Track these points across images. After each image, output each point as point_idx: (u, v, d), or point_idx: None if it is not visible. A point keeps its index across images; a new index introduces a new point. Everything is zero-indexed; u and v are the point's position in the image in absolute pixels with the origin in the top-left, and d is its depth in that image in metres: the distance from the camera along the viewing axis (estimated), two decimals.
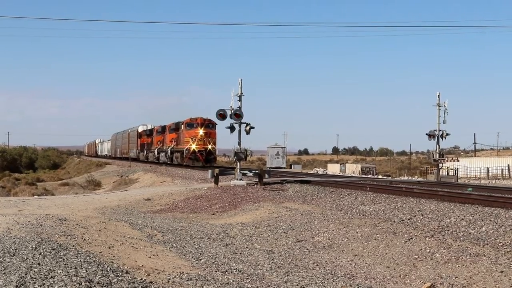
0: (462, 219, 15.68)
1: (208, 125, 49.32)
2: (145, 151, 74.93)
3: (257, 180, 30.87)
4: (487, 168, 69.14)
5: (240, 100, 32.56)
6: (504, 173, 68.34)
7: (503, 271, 11.05)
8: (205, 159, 48.45)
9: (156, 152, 65.63)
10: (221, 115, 36.20)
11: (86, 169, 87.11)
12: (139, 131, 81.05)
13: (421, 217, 16.86)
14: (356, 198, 22.23)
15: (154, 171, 54.94)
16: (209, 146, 48.23)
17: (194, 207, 24.68)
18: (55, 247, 11.26)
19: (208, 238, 16.48)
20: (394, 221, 16.72)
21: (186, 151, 48.74)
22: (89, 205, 24.74)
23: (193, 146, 48.15)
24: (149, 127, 78.06)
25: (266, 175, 31.53)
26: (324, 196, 23.98)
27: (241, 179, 31.64)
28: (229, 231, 18.00)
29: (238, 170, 32.29)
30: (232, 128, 34.35)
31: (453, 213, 16.51)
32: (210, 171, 32.30)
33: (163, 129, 62.44)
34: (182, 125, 51.61)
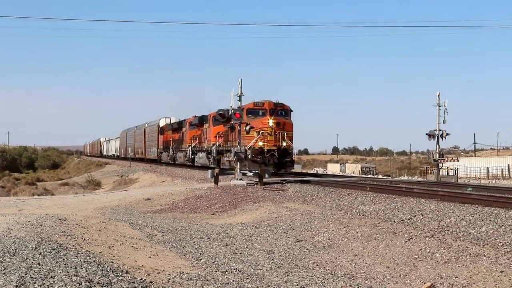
0: (462, 219, 15.67)
1: (281, 112, 35.09)
2: (171, 150, 59.09)
3: (257, 180, 30.87)
4: (487, 168, 69.17)
5: (240, 100, 32.57)
6: (504, 173, 68.38)
7: (503, 271, 11.05)
8: (278, 163, 34.03)
9: (189, 152, 49.99)
10: (222, 115, 36.30)
11: (86, 169, 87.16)
12: (161, 125, 65.94)
13: (421, 217, 16.85)
14: (356, 198, 22.23)
15: (154, 171, 54.98)
16: (284, 144, 33.74)
17: (194, 207, 24.69)
18: (55, 247, 11.26)
19: (208, 238, 16.48)
20: (394, 221, 16.72)
21: (250, 151, 33.50)
22: (89, 205, 24.74)
23: (260, 144, 33.45)
24: (173, 120, 63.63)
25: (266, 175, 31.52)
26: (324, 196, 23.98)
27: (241, 179, 31.64)
28: (229, 231, 18.00)
29: (238, 170, 32.27)
30: (232, 128, 34.41)
31: (453, 213, 16.51)
32: (210, 171, 32.27)
33: (201, 121, 47.28)
34: (242, 114, 36.17)
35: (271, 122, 34.03)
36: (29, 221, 15.16)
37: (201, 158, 46.88)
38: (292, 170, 38.09)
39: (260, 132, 33.89)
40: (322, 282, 11.37)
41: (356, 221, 17.34)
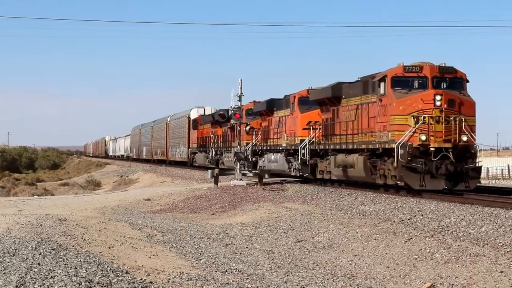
0: (462, 219, 15.67)
1: (452, 82, 21.79)
2: (213, 150, 44.34)
3: (257, 180, 30.84)
4: (487, 168, 69.15)
5: (240, 100, 32.57)
6: (504, 173, 68.35)
7: (503, 271, 11.06)
8: (454, 172, 20.70)
9: (248, 152, 34.58)
10: (221, 115, 36.19)
11: (86, 169, 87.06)
12: (193, 117, 51.95)
13: (421, 217, 16.85)
14: (356, 198, 22.23)
15: (154, 171, 54.95)
16: (463, 138, 20.89)
17: (194, 207, 24.68)
18: (55, 247, 11.26)
19: (208, 238, 16.48)
20: (394, 221, 16.72)
21: (402, 151, 20.52)
22: (89, 205, 24.74)
23: (422, 138, 20.55)
24: (209, 111, 49.03)
25: (266, 175, 31.47)
26: (324, 196, 23.97)
27: (241, 179, 31.61)
28: (229, 231, 18.01)
29: (238, 170, 32.23)
30: (232, 128, 34.26)
31: (453, 213, 16.50)
32: (210, 171, 32.23)
33: (270, 106, 32.95)
34: (381, 85, 21.94)
35: (439, 99, 20.74)
36: (29, 221, 15.17)
37: (273, 161, 32.32)
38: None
39: (421, 118, 20.58)
40: (322, 282, 11.37)
41: (356, 221, 17.34)
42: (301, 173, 28.65)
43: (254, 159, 35.14)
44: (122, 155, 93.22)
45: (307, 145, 27.87)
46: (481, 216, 15.71)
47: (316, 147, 27.54)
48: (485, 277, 11.01)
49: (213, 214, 22.57)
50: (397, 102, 21.20)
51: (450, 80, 21.74)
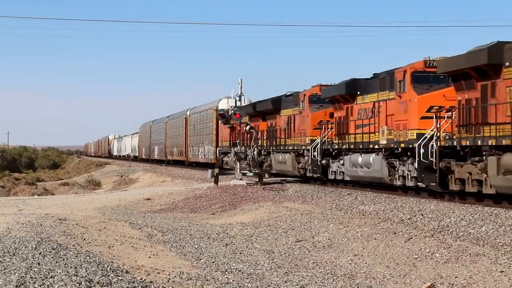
0: (462, 219, 15.68)
1: None
2: (253, 149, 34.22)
3: (257, 180, 30.85)
4: None
5: (240, 100, 32.55)
6: None
7: (503, 271, 11.06)
8: None
9: (314, 153, 27.31)
10: (221, 115, 36.13)
11: (86, 169, 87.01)
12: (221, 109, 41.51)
13: (421, 217, 16.86)
14: (356, 198, 22.24)
15: (154, 171, 54.96)
16: None
17: (194, 207, 24.67)
18: (55, 246, 11.27)
19: (208, 237, 16.49)
20: (394, 221, 16.73)
21: None
22: (89, 205, 24.75)
23: None
24: (242, 102, 34.21)
25: (266, 175, 31.50)
26: (324, 196, 23.98)
27: (241, 179, 31.61)
28: (229, 231, 18.00)
29: (238, 170, 32.23)
30: (232, 128, 34.27)
31: (453, 213, 16.51)
32: (210, 170, 32.23)
33: (352, 89, 24.64)
34: None
35: None
36: (29, 221, 15.17)
37: (360, 165, 23.60)
38: None
39: None
40: (322, 282, 11.36)
41: (356, 221, 17.34)
42: (418, 183, 19.96)
43: (324, 162, 26.79)
44: (129, 155, 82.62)
45: (434, 141, 18.96)
46: (481, 215, 15.72)
47: (455, 144, 18.34)
48: (485, 276, 11.01)
49: (213, 214, 22.57)
50: None
51: None
